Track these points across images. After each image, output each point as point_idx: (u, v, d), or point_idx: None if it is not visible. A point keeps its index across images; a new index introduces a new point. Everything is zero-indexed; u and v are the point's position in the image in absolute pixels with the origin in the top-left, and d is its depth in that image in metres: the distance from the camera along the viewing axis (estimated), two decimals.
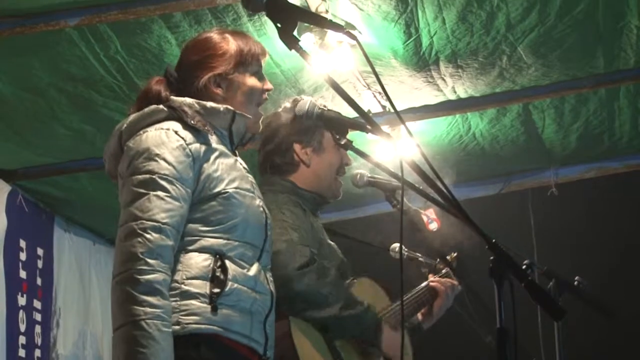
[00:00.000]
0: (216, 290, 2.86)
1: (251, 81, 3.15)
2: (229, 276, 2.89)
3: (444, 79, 5.27)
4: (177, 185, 2.88)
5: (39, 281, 5.96)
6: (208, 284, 2.87)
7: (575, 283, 4.18)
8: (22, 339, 5.70)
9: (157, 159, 2.89)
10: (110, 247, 6.94)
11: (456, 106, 5.63)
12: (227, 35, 3.18)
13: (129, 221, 2.83)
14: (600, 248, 6.64)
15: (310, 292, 3.45)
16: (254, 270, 2.98)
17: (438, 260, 4.13)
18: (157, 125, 2.97)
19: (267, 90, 3.21)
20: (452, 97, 5.52)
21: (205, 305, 2.85)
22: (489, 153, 6.28)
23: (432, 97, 5.50)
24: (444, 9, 4.58)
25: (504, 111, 5.76)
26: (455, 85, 5.36)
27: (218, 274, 2.88)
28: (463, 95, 5.50)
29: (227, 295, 2.87)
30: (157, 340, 2.71)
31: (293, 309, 3.44)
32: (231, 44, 3.14)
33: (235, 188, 2.99)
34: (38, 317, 5.92)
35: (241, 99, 3.14)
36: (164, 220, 2.83)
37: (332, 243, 3.86)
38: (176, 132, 2.95)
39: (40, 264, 6.00)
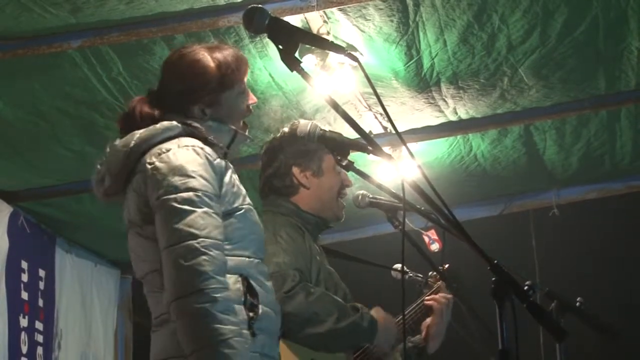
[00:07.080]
0: (251, 314, 2.80)
1: (236, 100, 3.07)
2: (260, 298, 2.83)
3: (445, 100, 5.28)
4: (215, 202, 2.82)
5: (40, 302, 5.95)
6: (243, 308, 2.79)
7: (577, 304, 4.17)
8: None
9: (194, 175, 2.80)
10: (112, 269, 6.93)
11: (457, 127, 5.64)
12: (206, 55, 3.06)
13: (187, 239, 2.72)
14: (602, 269, 6.62)
15: (301, 312, 3.45)
16: (270, 288, 2.95)
17: (431, 273, 4.11)
18: (177, 142, 2.89)
19: (252, 103, 3.13)
20: (454, 118, 5.53)
21: (246, 331, 2.77)
22: (490, 174, 6.28)
23: (433, 118, 5.51)
24: (445, 30, 4.59)
25: (505, 132, 5.77)
26: (457, 107, 5.37)
27: (249, 297, 2.81)
28: (464, 116, 5.50)
29: (260, 320, 2.82)
30: (244, 357, 2.68)
31: (292, 331, 3.45)
32: (210, 68, 3.03)
33: (248, 204, 2.94)
34: (40, 338, 5.91)
35: (227, 119, 3.07)
36: (219, 237, 2.76)
37: (330, 268, 3.86)
38: (202, 149, 2.88)
39: (41, 285, 5.99)
